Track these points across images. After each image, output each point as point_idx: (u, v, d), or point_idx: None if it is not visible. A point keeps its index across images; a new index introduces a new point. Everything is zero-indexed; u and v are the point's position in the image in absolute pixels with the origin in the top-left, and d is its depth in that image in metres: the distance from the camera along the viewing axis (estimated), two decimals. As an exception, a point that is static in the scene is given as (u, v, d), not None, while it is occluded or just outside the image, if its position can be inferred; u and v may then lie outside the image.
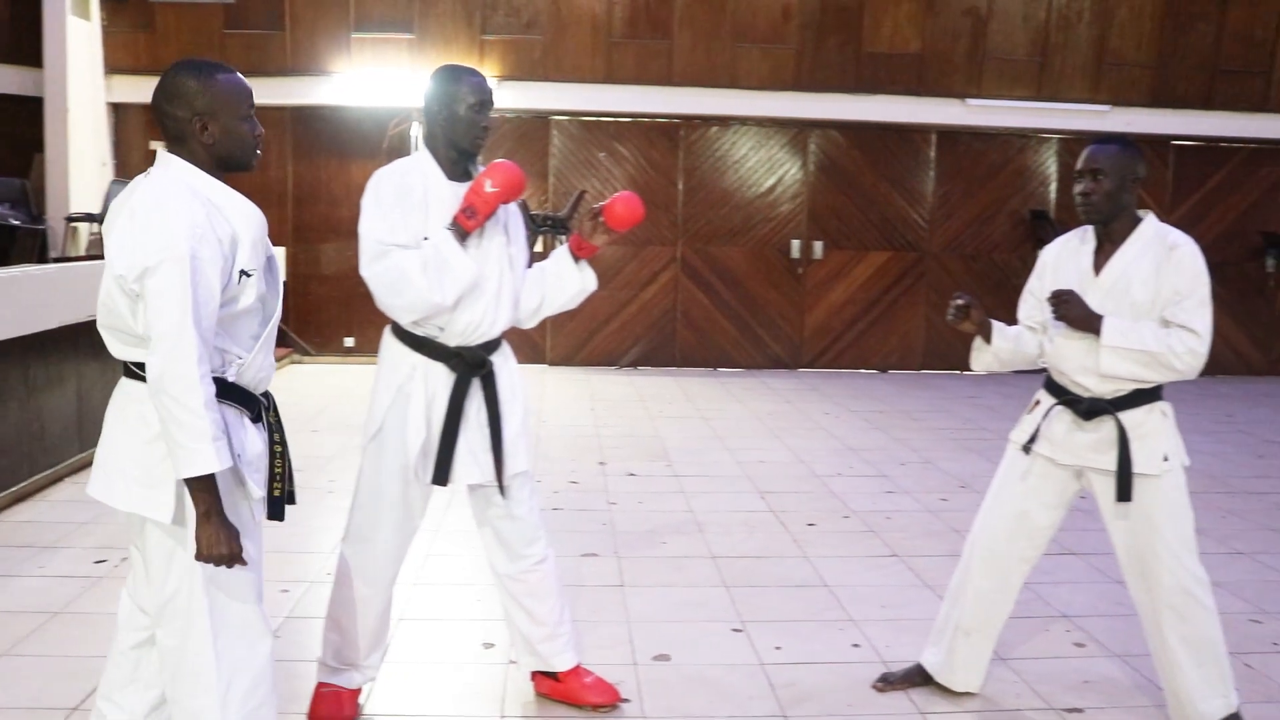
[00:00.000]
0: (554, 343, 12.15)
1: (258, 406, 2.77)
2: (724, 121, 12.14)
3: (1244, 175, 12.93)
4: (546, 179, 11.97)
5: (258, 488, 2.70)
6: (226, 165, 2.72)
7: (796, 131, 12.26)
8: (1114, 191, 3.36)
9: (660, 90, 11.78)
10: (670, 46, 11.75)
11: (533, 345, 12.12)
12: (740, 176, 12.25)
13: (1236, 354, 13.09)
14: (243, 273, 2.64)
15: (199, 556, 2.53)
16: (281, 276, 2.89)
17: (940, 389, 11.24)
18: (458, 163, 3.35)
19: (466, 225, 3.22)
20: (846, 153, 12.37)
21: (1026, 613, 4.63)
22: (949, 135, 12.48)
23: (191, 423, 2.45)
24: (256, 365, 2.74)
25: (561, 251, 3.51)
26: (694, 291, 12.26)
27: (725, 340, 12.36)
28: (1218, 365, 12.80)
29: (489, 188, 3.20)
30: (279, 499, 2.77)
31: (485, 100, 3.31)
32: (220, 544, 2.52)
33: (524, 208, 10.84)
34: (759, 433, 8.58)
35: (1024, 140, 12.59)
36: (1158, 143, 12.67)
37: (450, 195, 3.30)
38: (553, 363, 12.16)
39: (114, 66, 11.27)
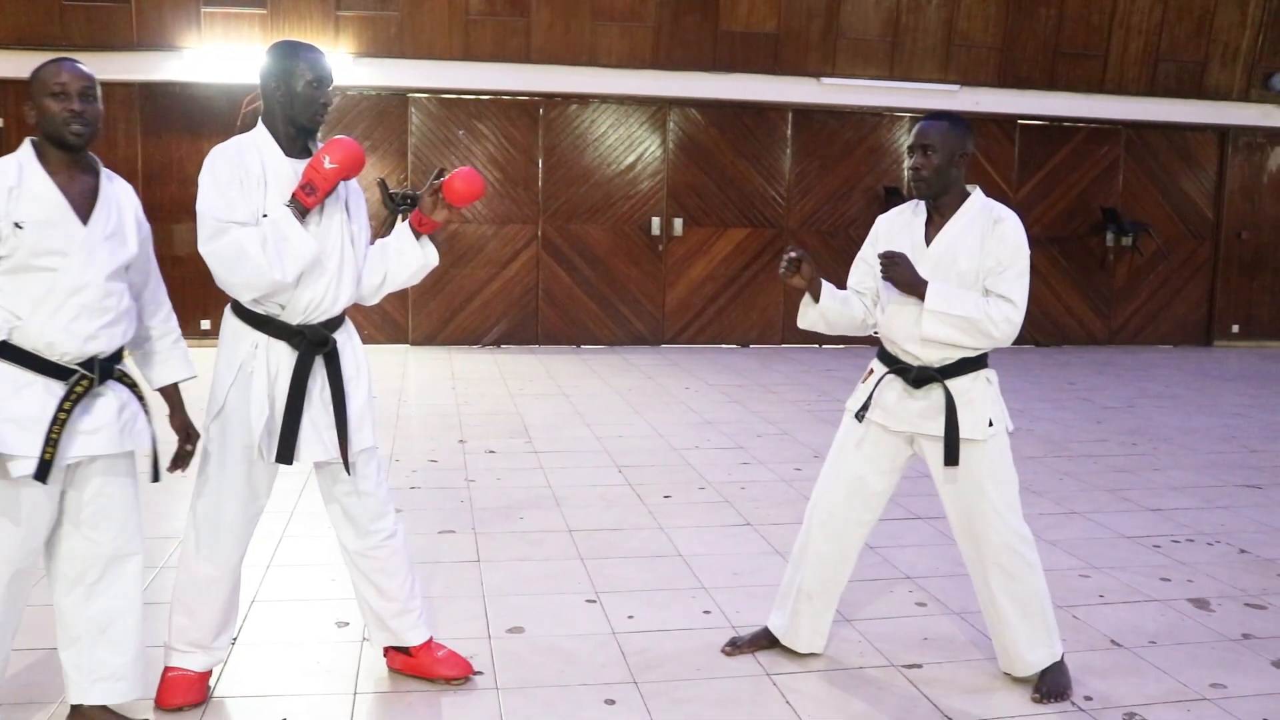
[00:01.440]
0: (416, 323, 12.05)
1: (65, 373, 3.00)
2: (583, 99, 12.17)
3: (1085, 153, 13.47)
4: (406, 157, 11.85)
5: (11, 441, 2.92)
6: (53, 142, 3.03)
7: (655, 109, 12.36)
8: (943, 166, 3.50)
9: (519, 68, 11.75)
10: (528, 24, 11.72)
11: (395, 325, 12.01)
12: (600, 154, 12.30)
13: (1079, 324, 13.67)
14: (15, 224, 2.93)
15: None
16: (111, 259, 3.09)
17: (799, 362, 11.49)
18: (296, 139, 3.32)
19: (306, 202, 3.20)
20: (705, 130, 12.51)
21: (872, 575, 4.81)
22: (804, 113, 12.72)
23: None
24: (37, 329, 2.96)
25: (403, 228, 3.51)
26: (555, 269, 12.29)
27: (587, 317, 12.42)
28: (1062, 335, 13.38)
29: (328, 164, 3.18)
30: (46, 461, 2.94)
31: (323, 76, 3.29)
32: None
33: (383, 186, 10.77)
34: (619, 408, 8.67)
35: (877, 119, 12.90)
36: (1004, 122, 13.13)
37: (289, 172, 3.27)
38: (415, 342, 12.07)
39: (-55, 39, 10.79)
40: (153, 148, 11.41)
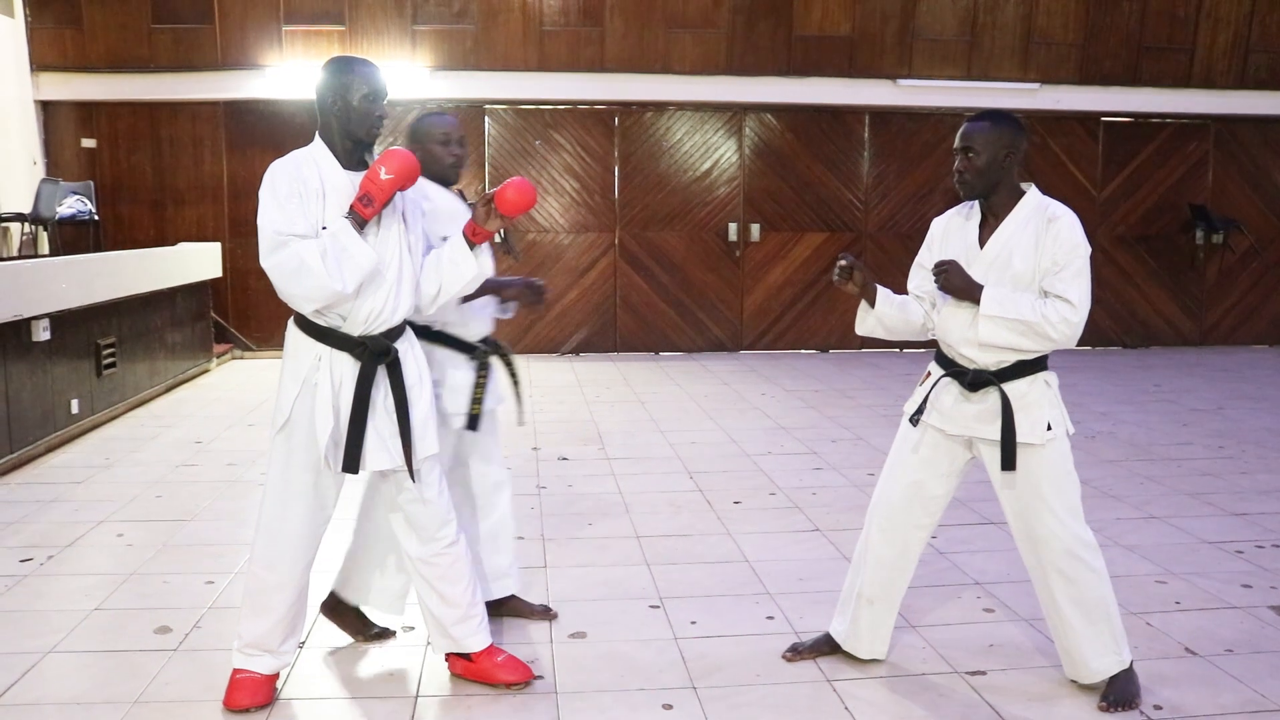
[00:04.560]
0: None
1: (472, 350, 4.02)
2: (658, 107, 12.21)
3: (1171, 150, 13.16)
4: (483, 168, 11.99)
5: (452, 404, 3.93)
6: (435, 179, 3.94)
7: (731, 115, 12.35)
8: (986, 168, 3.44)
9: (594, 77, 11.83)
10: (602, 33, 11.79)
11: (474, 334, 12.13)
12: (676, 161, 12.32)
13: (1168, 324, 13.35)
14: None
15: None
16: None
17: (878, 367, 11.41)
18: (353, 152, 3.39)
19: (364, 213, 3.26)
20: (780, 135, 12.47)
21: (940, 581, 4.76)
22: (881, 116, 12.62)
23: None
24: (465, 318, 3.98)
25: (457, 238, 3.56)
26: (633, 277, 12.33)
27: (665, 324, 12.44)
28: (1150, 336, 13.10)
29: (384, 175, 3.24)
30: (474, 416, 3.97)
31: (378, 90, 3.34)
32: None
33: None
34: (694, 414, 8.67)
35: (956, 119, 12.71)
36: (1087, 119, 12.89)
37: (347, 184, 3.34)
38: (494, 351, 12.17)
39: (41, 64, 11.18)
40: (237, 163, 11.69)
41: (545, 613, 4.33)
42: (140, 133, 11.63)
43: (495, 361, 4.14)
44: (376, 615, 4.13)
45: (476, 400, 3.98)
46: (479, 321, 4.06)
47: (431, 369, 3.72)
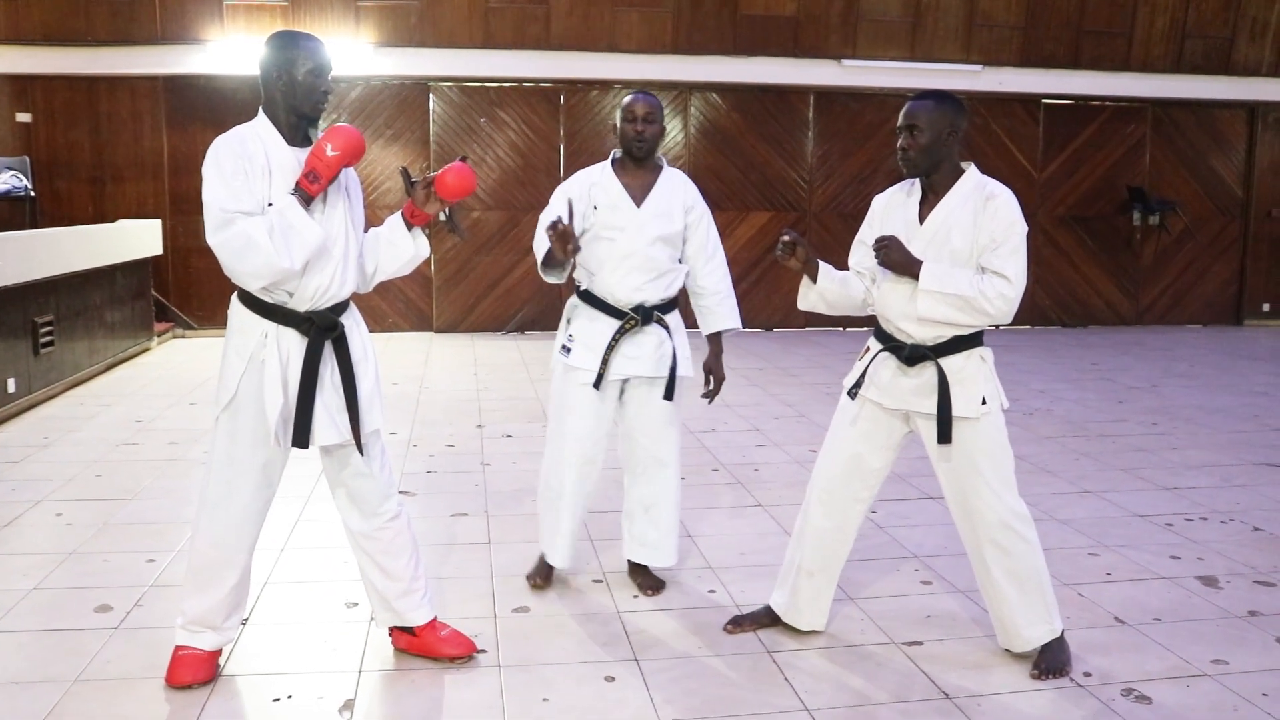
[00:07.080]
0: (440, 310, 12.14)
1: (622, 315, 4.16)
2: (604, 85, 12.19)
3: (1110, 132, 13.36)
4: (428, 145, 11.93)
5: (579, 360, 4.15)
6: (624, 151, 4.28)
7: (676, 94, 12.36)
8: (930, 146, 3.50)
9: (539, 55, 11.79)
10: (548, 11, 11.75)
11: (419, 313, 12.10)
12: (621, 140, 12.28)
13: (1106, 304, 13.58)
14: (594, 206, 4.16)
15: None
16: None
17: (821, 345, 11.51)
18: (298, 128, 3.38)
19: (310, 190, 3.26)
20: (726, 115, 12.51)
21: (879, 554, 4.84)
22: (826, 96, 12.69)
23: None
24: (602, 283, 4.18)
25: (395, 219, 3.56)
26: (579, 255, 12.29)
27: (611, 303, 12.42)
28: (1088, 316, 13.30)
29: (330, 151, 3.24)
30: (600, 375, 4.15)
31: (323, 64, 3.33)
32: None
33: (405, 175, 10.85)
34: (639, 393, 8.69)
35: (899, 100, 12.69)
36: (1028, 101, 13.06)
37: (292, 161, 3.33)
38: (439, 330, 12.16)
39: (-26, 36, 10.96)
40: (178, 140, 11.54)
41: (656, 589, 4.41)
42: (77, 107, 11.43)
43: (652, 329, 4.26)
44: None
45: (605, 362, 4.14)
46: (626, 288, 4.15)
47: (573, 322, 4.20)
